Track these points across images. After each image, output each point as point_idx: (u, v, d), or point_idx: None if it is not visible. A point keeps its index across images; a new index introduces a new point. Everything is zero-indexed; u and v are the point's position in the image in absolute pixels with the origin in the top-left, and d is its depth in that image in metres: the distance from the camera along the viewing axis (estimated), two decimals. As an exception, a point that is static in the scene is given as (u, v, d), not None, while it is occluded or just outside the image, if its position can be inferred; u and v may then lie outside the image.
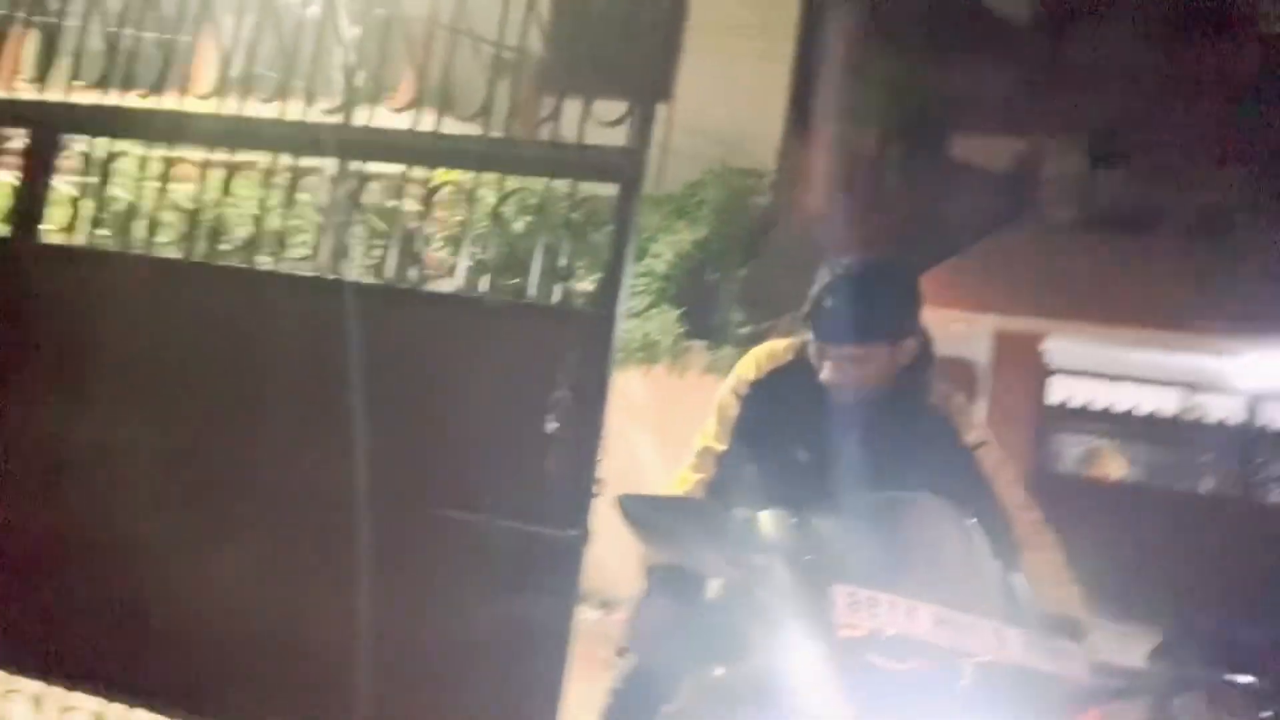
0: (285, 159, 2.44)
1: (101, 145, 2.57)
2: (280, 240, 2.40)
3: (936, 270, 8.15)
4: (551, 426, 2.11)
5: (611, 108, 2.17)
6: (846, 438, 1.85)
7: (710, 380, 6.12)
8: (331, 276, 2.46)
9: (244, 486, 2.31)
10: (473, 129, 2.35)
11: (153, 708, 2.33)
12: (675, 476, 2.06)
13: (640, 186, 2.14)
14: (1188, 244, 8.91)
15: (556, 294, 2.27)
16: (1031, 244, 8.85)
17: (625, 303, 2.13)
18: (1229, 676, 2.35)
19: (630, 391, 6.12)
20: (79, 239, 2.56)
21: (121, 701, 2.35)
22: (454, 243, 4.41)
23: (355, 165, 2.48)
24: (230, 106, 2.41)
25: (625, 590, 2.11)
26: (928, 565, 1.64)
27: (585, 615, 2.29)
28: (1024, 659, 1.50)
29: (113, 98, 2.50)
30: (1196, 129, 9.03)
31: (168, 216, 2.47)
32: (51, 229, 2.56)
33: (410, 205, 2.52)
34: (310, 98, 2.40)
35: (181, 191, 2.54)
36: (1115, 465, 9.16)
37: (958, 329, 8.15)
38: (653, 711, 1.92)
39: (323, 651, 2.19)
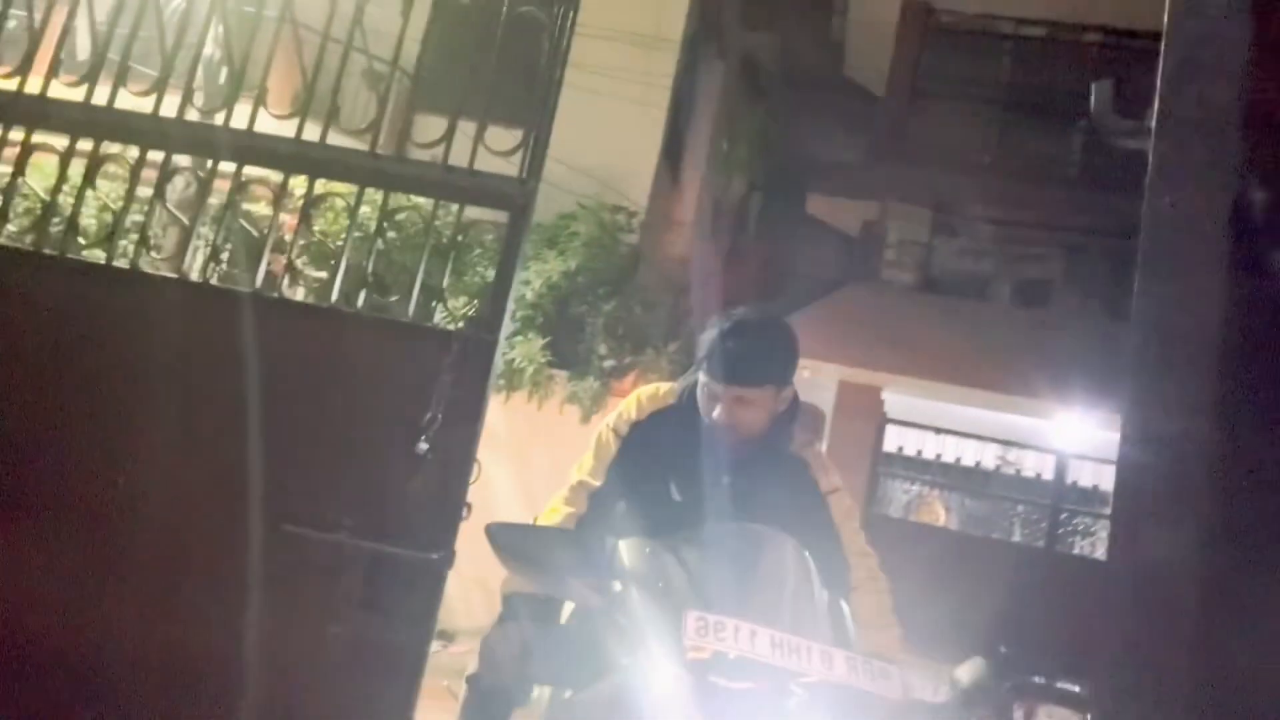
0: (155, 155, 2.33)
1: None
2: (143, 238, 2.29)
3: (788, 319, 8.54)
4: (422, 448, 2.10)
5: (498, 135, 2.21)
6: (718, 478, 1.94)
7: (571, 410, 6.16)
8: (196, 279, 2.36)
9: (88, 495, 2.17)
10: (360, 143, 2.34)
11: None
12: (546, 508, 2.10)
13: (530, 216, 2.19)
14: (1011, 312, 9.77)
15: (436, 315, 2.27)
16: (874, 301, 9.43)
17: (507, 328, 2.16)
18: (1060, 683, 2.54)
19: (489, 417, 6.08)
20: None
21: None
22: (331, 256, 4.29)
23: (230, 168, 2.40)
24: (101, 95, 2.29)
25: (465, 621, 2.11)
26: (769, 592, 1.74)
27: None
28: (848, 679, 1.62)
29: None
30: (1025, 208, 9.93)
31: (20, 205, 2.30)
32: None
33: (287, 215, 2.46)
34: (188, 94, 2.32)
35: (37, 179, 2.38)
36: (939, 511, 9.82)
37: (805, 376, 8.57)
38: None
39: (168, 670, 2.07)
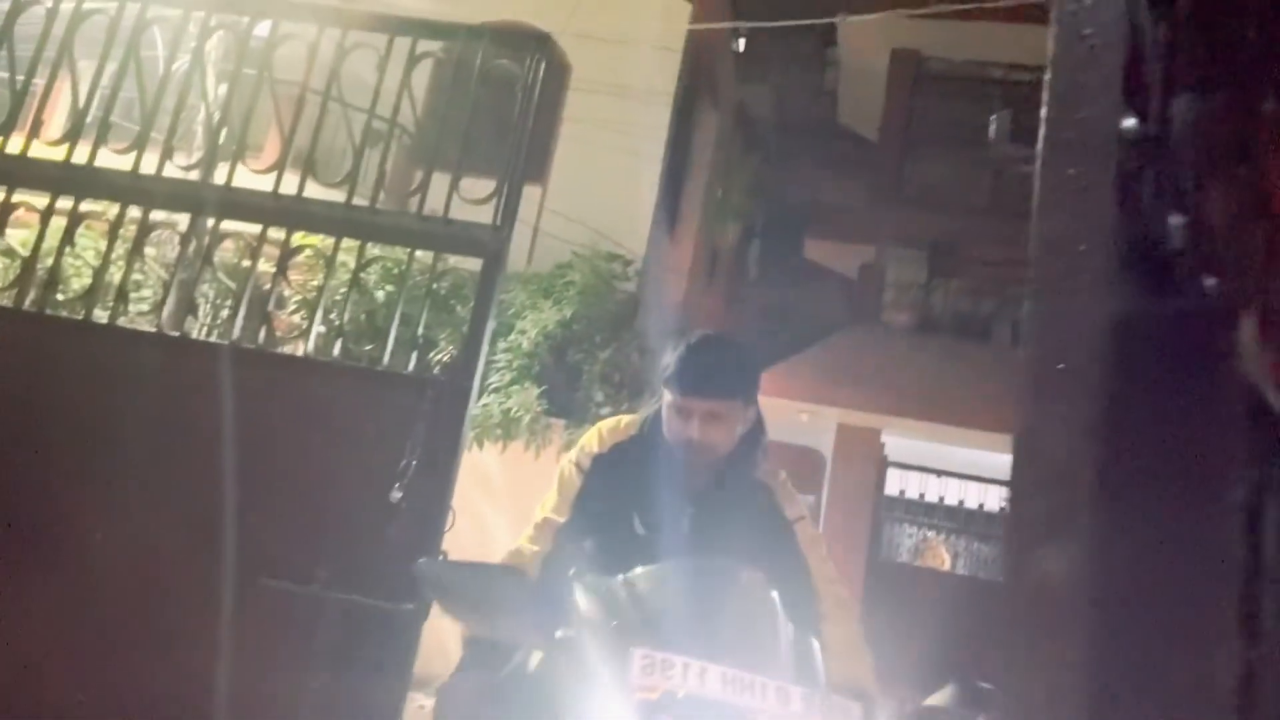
0: (134, 211, 2.36)
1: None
2: (122, 294, 2.31)
3: (787, 362, 8.56)
4: (396, 496, 2.09)
5: (480, 185, 2.24)
6: (682, 509, 1.92)
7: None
8: (175, 334, 2.38)
9: (66, 548, 2.16)
10: (338, 195, 2.37)
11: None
12: (511, 548, 2.07)
13: (503, 263, 2.20)
14: (1011, 352, 9.74)
15: (411, 363, 2.28)
16: (873, 344, 9.42)
17: (481, 375, 2.16)
18: None
19: (486, 466, 6.06)
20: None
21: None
22: (309, 306, 4.31)
23: (209, 222, 2.43)
24: (82, 154, 2.33)
25: (443, 670, 2.07)
26: (727, 628, 1.70)
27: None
28: (805, 716, 1.58)
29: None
30: (1021, 247, 9.95)
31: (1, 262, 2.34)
32: None
33: (265, 267, 2.48)
34: (169, 152, 2.36)
35: (17, 237, 2.41)
36: (944, 555, 9.68)
37: (804, 420, 8.53)
38: None
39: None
